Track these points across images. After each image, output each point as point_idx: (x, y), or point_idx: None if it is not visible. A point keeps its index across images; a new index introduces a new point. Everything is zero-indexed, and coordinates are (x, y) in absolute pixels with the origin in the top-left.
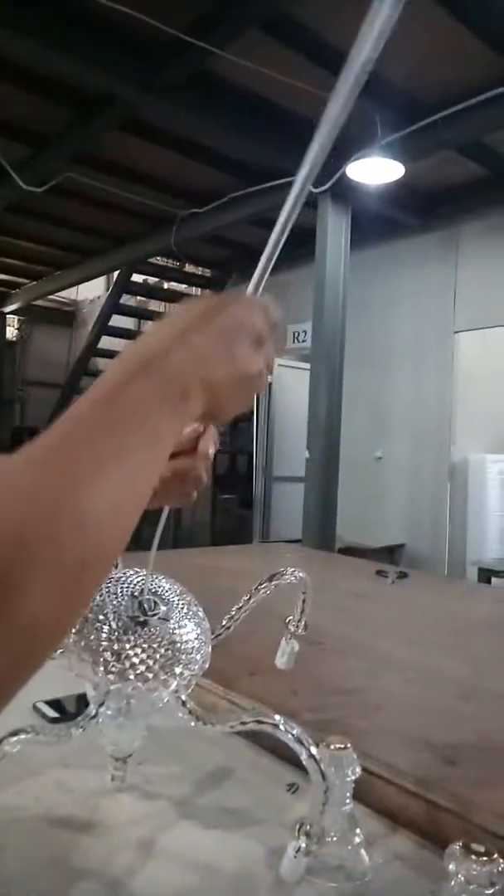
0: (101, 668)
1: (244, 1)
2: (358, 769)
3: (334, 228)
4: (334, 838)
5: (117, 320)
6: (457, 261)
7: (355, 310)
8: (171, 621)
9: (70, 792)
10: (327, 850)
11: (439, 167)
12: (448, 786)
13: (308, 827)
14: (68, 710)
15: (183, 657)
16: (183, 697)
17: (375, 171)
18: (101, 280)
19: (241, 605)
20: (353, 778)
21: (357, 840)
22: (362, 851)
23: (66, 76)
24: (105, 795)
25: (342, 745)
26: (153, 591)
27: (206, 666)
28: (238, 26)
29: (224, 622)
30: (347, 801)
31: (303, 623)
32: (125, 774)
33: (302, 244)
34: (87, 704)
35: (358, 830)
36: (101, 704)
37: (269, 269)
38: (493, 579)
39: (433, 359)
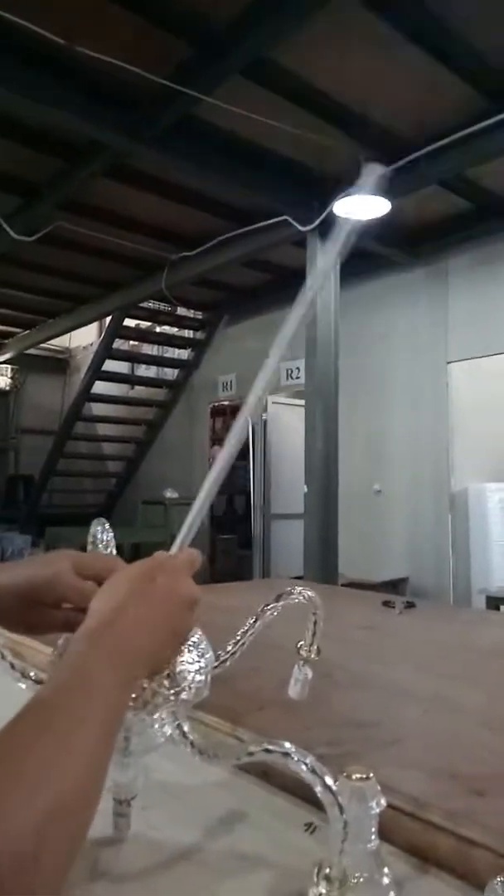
0: None
1: (225, 49)
2: (383, 801)
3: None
4: (360, 880)
5: (111, 365)
6: (447, 293)
7: (348, 345)
8: None
9: None
10: None
11: (424, 202)
12: (479, 818)
13: (327, 870)
14: None
15: (183, 682)
16: (185, 729)
17: (362, 207)
18: (94, 326)
19: (246, 628)
20: (378, 811)
21: (385, 881)
22: (392, 894)
23: (55, 127)
24: (107, 844)
25: (364, 776)
26: None
27: (207, 692)
28: (221, 73)
29: (230, 647)
30: (373, 837)
31: (315, 647)
32: (129, 819)
33: (293, 284)
34: None
35: (386, 870)
36: None
37: (195, 530)
38: (502, 607)
39: (428, 390)
